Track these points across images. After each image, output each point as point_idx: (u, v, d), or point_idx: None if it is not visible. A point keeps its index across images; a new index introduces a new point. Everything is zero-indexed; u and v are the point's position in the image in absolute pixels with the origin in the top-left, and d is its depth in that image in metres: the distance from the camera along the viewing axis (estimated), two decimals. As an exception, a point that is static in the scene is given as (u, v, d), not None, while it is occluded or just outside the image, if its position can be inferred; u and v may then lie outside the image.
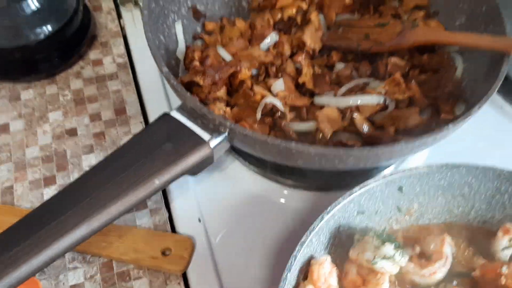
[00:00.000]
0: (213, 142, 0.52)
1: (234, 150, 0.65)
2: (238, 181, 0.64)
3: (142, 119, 0.68)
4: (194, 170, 0.52)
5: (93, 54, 0.75)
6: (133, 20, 0.80)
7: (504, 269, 0.51)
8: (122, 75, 0.73)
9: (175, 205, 0.61)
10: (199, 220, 0.60)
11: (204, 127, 0.53)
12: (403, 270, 0.53)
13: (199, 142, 0.51)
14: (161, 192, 0.61)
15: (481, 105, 0.54)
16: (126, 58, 0.75)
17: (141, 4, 0.78)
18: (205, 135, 0.52)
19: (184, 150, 0.50)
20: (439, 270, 0.52)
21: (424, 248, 0.55)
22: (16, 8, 0.65)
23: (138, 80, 0.73)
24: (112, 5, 0.81)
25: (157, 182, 0.48)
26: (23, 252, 0.41)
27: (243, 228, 0.60)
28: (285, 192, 0.64)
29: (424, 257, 0.54)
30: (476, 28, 0.66)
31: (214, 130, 0.53)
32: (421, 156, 0.67)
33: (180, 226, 0.59)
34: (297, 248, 0.48)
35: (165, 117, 0.54)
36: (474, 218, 0.58)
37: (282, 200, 0.63)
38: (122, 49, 0.76)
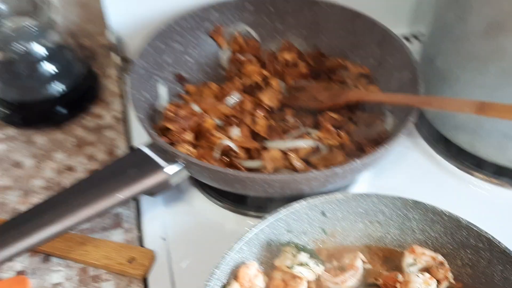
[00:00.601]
0: (169, 169, 0.64)
1: (198, 185, 0.76)
2: (198, 209, 0.75)
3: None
4: (152, 191, 0.64)
5: (96, 109, 0.89)
6: (132, 84, 0.95)
7: (400, 277, 0.60)
8: (117, 127, 0.87)
9: (145, 226, 0.72)
10: (163, 239, 0.70)
11: (166, 159, 0.66)
12: (321, 278, 0.62)
13: (157, 168, 0.64)
14: (135, 216, 0.73)
15: (390, 144, 0.65)
16: (123, 114, 0.89)
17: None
18: (163, 164, 0.65)
19: (144, 174, 0.63)
20: (349, 279, 0.61)
21: (341, 263, 0.64)
22: (39, 72, 0.81)
23: (130, 131, 0.86)
24: (115, 72, 0.97)
25: (120, 196, 0.60)
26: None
27: (199, 247, 0.70)
28: (239, 220, 0.74)
29: (339, 270, 0.63)
30: (404, 90, 0.78)
31: (172, 161, 0.65)
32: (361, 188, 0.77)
33: (147, 242, 0.70)
34: (226, 251, 0.58)
35: (137, 150, 0.67)
36: (390, 241, 0.67)
37: (234, 226, 0.73)
38: (120, 106, 0.91)
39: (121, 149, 0.83)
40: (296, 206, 0.64)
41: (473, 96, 0.69)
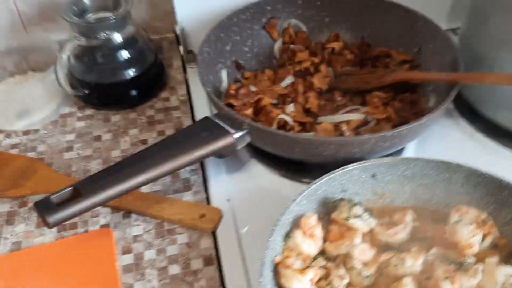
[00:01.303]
0: (236, 134, 0.70)
1: (257, 155, 0.82)
2: (257, 177, 0.79)
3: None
4: (222, 152, 0.69)
5: (163, 94, 0.96)
6: (194, 73, 1.02)
7: (447, 229, 0.63)
8: (183, 108, 0.93)
9: (212, 190, 0.77)
10: (228, 200, 0.76)
11: (232, 125, 0.71)
12: (373, 231, 0.66)
13: (226, 132, 0.69)
14: (203, 180, 0.79)
15: (429, 115, 0.69)
16: (187, 97, 0.96)
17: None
18: (230, 130, 0.70)
19: (215, 136, 0.68)
20: (400, 232, 0.65)
21: (391, 219, 0.68)
22: (116, 56, 0.88)
23: (194, 111, 0.93)
24: (180, 63, 1.04)
25: (196, 154, 0.66)
26: (109, 182, 0.60)
27: (259, 208, 0.75)
28: (292, 186, 0.79)
29: (391, 224, 0.67)
30: (444, 72, 0.82)
31: (238, 127, 0.71)
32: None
33: (213, 202, 0.76)
34: (289, 203, 0.63)
35: (205, 118, 0.73)
36: (436, 203, 0.70)
37: (289, 192, 0.78)
38: (184, 91, 0.97)
39: (187, 125, 0.89)
40: (350, 167, 0.68)
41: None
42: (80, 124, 0.91)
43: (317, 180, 0.66)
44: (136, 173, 0.62)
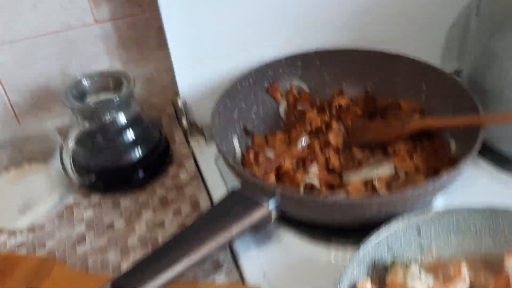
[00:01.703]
0: (270, 205, 0.67)
1: (284, 222, 0.79)
2: (289, 246, 0.76)
3: (212, 210, 0.84)
4: (257, 226, 0.66)
5: (171, 171, 0.94)
6: (199, 145, 1.00)
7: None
8: (195, 183, 0.91)
9: (245, 267, 0.73)
10: (264, 276, 0.72)
11: (261, 195, 0.69)
12: (431, 290, 0.63)
13: (259, 204, 0.67)
14: (232, 259, 0.75)
15: (463, 162, 0.68)
16: (197, 172, 0.94)
17: (205, 132, 1.00)
18: (263, 201, 0.68)
19: (248, 210, 0.66)
20: (459, 286, 0.62)
21: (445, 274, 0.65)
22: (121, 137, 0.86)
23: (207, 184, 0.90)
24: (182, 137, 1.03)
25: (233, 231, 0.63)
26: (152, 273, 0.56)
27: (298, 282, 0.71)
28: (332, 252, 0.75)
29: (447, 281, 0.64)
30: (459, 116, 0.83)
31: (269, 196, 0.68)
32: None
33: (249, 280, 0.71)
34: (343, 270, 0.60)
35: (233, 193, 0.70)
36: (485, 252, 0.68)
37: (330, 259, 0.75)
38: (193, 165, 0.95)
39: (203, 200, 0.86)
40: (394, 227, 0.66)
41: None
42: (88, 213, 0.86)
43: (365, 243, 0.63)
44: (178, 259, 0.58)
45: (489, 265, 0.66)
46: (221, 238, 0.62)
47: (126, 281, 0.55)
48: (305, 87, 1.01)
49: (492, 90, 0.84)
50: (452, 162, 0.79)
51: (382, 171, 0.77)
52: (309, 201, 0.66)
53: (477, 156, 0.90)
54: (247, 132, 0.93)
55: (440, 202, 0.81)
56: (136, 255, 0.77)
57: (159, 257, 0.59)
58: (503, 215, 0.67)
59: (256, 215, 0.65)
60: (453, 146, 0.84)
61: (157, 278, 0.56)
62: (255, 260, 0.75)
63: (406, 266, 0.62)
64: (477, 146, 0.72)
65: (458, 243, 0.69)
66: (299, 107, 0.97)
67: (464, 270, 0.64)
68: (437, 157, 0.80)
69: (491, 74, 0.83)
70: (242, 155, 0.87)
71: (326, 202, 0.65)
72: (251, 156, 0.82)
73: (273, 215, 0.68)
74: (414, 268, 0.61)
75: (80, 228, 0.84)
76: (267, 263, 0.74)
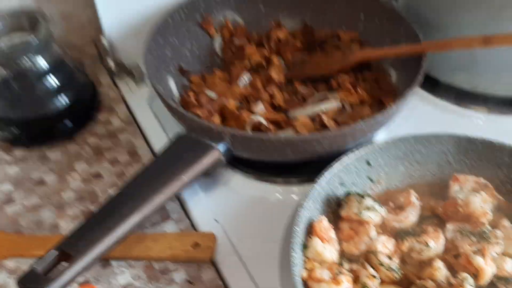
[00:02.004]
0: (220, 147, 0.65)
1: (234, 165, 0.77)
2: (239, 188, 0.75)
3: (152, 156, 0.79)
4: (209, 170, 0.64)
5: (101, 117, 0.87)
6: (129, 88, 0.93)
7: (460, 201, 0.64)
8: (129, 128, 0.85)
9: (194, 214, 0.71)
10: (216, 221, 0.70)
11: (211, 138, 0.66)
12: (384, 220, 0.64)
13: (210, 147, 0.64)
14: (180, 206, 0.72)
15: (408, 93, 0.69)
16: (130, 117, 0.88)
17: (135, 73, 0.93)
18: (212, 143, 0.65)
19: (199, 154, 0.63)
20: (411, 214, 0.64)
21: (396, 203, 0.67)
22: (42, 86, 0.77)
23: (143, 129, 0.85)
24: (109, 79, 0.95)
25: (185, 178, 0.60)
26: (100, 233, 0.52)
27: (253, 223, 0.70)
28: (280, 189, 0.75)
29: (398, 209, 0.66)
30: (399, 45, 0.83)
31: (219, 139, 0.65)
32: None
33: (201, 227, 0.69)
34: (299, 209, 0.60)
35: (179, 137, 0.66)
36: (431, 178, 0.71)
37: (279, 196, 0.74)
38: (124, 110, 0.89)
39: (142, 148, 0.81)
40: (346, 160, 0.66)
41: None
42: (14, 169, 0.79)
43: (319, 179, 0.63)
44: (128, 215, 0.54)
45: (436, 191, 0.69)
46: (172, 188, 0.59)
47: (73, 245, 0.51)
48: (240, 20, 0.96)
49: (429, 16, 0.84)
50: (394, 91, 0.80)
51: (328, 105, 0.76)
52: (261, 141, 0.64)
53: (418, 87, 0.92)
54: (182, 72, 0.88)
55: (383, 132, 0.82)
56: (74, 211, 0.72)
57: (106, 215, 0.55)
58: (446, 140, 0.69)
59: (208, 160, 0.63)
60: (393, 75, 0.84)
61: (106, 239, 0.53)
62: (204, 206, 0.73)
63: (360, 199, 0.62)
64: (421, 75, 0.72)
65: (405, 170, 0.71)
66: (236, 42, 0.92)
67: (414, 198, 0.66)
68: (379, 87, 0.81)
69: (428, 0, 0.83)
70: (181, 96, 0.82)
71: (280, 141, 0.63)
72: (192, 97, 0.77)
73: (224, 157, 0.65)
74: (368, 200, 0.62)
75: (6, 187, 0.76)
76: (218, 208, 0.72)
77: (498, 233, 0.60)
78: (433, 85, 0.89)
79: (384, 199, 0.68)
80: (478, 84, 0.84)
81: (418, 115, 0.86)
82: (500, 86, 0.83)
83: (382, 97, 0.77)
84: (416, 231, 0.63)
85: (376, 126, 0.68)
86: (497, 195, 0.66)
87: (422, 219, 0.66)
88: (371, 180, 0.69)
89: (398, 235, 0.63)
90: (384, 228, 0.64)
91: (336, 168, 0.65)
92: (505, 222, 0.62)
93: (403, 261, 0.61)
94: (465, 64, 0.83)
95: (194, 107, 0.75)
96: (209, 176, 0.66)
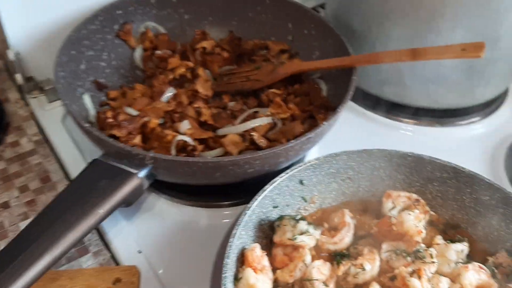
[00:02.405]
0: (141, 173, 0.60)
1: (157, 188, 0.72)
2: (165, 214, 0.70)
3: (67, 182, 0.73)
4: (129, 199, 0.58)
5: (9, 138, 0.79)
6: (39, 105, 0.86)
7: (393, 220, 0.63)
8: (41, 150, 0.78)
9: (115, 246, 0.66)
10: (139, 252, 0.65)
11: (130, 163, 0.60)
12: (318, 242, 0.62)
13: (129, 174, 0.58)
14: (99, 237, 0.66)
15: (340, 109, 0.67)
16: (41, 137, 0.80)
17: (46, 89, 0.86)
18: (132, 169, 0.59)
19: (117, 183, 0.57)
20: (346, 235, 0.63)
21: (331, 224, 0.65)
22: None
23: (56, 151, 0.78)
24: (17, 95, 0.87)
25: (101, 211, 0.54)
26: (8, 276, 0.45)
27: (179, 250, 0.66)
28: (208, 214, 0.71)
29: (332, 230, 0.64)
30: (328, 56, 0.82)
31: (140, 165, 0.60)
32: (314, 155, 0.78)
33: (123, 259, 0.64)
34: (230, 240, 0.56)
35: (95, 162, 0.61)
36: (363, 194, 0.70)
37: (209, 221, 0.70)
38: (35, 129, 0.81)
39: (55, 173, 0.75)
40: (279, 179, 0.63)
41: (394, 48, 0.74)
42: None
43: (250, 204, 0.60)
44: (38, 256, 0.48)
45: (370, 208, 0.68)
46: (88, 223, 0.53)
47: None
48: (162, 29, 0.91)
49: (358, 27, 0.84)
50: (325, 105, 0.78)
51: (259, 122, 0.73)
52: (187, 165, 0.59)
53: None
54: (100, 87, 0.82)
55: (315, 152, 0.80)
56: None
57: (13, 256, 0.48)
58: (378, 155, 0.69)
59: (127, 188, 0.57)
60: (324, 88, 0.83)
61: (14, 283, 0.46)
62: (127, 235, 0.67)
63: (294, 223, 0.60)
64: (351, 90, 0.71)
65: (338, 187, 0.70)
66: (158, 53, 0.87)
67: (348, 218, 0.64)
68: (310, 101, 0.79)
69: (356, 11, 0.83)
70: (98, 114, 0.75)
71: (207, 164, 0.59)
72: (109, 115, 0.71)
73: (146, 183, 0.60)
74: (302, 224, 0.60)
75: None
76: (142, 237, 0.67)
77: (433, 251, 0.59)
78: (364, 98, 0.89)
79: (318, 219, 0.66)
80: (406, 96, 0.85)
81: (349, 128, 0.86)
82: (427, 98, 0.84)
83: (313, 112, 0.75)
84: (352, 253, 0.61)
85: (309, 145, 0.66)
86: (429, 210, 0.66)
87: (357, 239, 0.64)
88: (305, 200, 0.67)
89: (334, 258, 0.61)
90: (319, 250, 0.62)
91: (268, 190, 0.62)
92: (438, 240, 0.62)
93: (338, 285, 0.59)
94: (393, 76, 0.83)
95: (112, 128, 0.69)
96: (129, 205, 0.60)
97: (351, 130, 0.84)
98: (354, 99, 0.88)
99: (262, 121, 0.72)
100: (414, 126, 0.88)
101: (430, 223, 0.67)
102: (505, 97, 0.93)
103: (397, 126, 0.87)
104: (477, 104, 0.88)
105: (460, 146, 0.84)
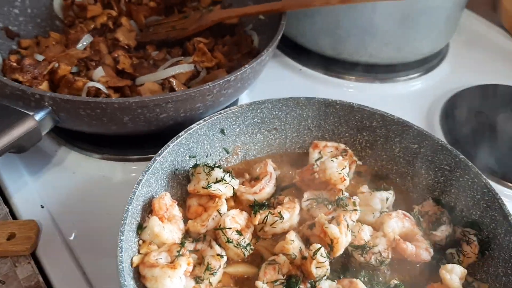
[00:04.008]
0: (38, 116, 0.54)
1: (69, 141, 0.66)
2: (74, 167, 0.65)
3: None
4: (24, 144, 0.53)
5: None
6: None
7: (316, 167, 0.60)
8: None
9: (15, 200, 0.60)
10: (42, 207, 0.60)
11: (26, 105, 0.55)
12: (238, 193, 0.58)
13: (24, 116, 0.53)
14: (-1, 192, 0.61)
15: (266, 52, 0.63)
16: None
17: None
18: (28, 111, 0.54)
19: (9, 123, 0.52)
20: (267, 185, 0.59)
21: (253, 174, 0.62)
22: None
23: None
24: None
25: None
26: None
27: (88, 205, 0.61)
28: (122, 168, 0.66)
29: (254, 180, 0.61)
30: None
31: (37, 106, 0.55)
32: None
33: (22, 214, 0.59)
34: (135, 186, 0.51)
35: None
36: (291, 146, 0.67)
37: (121, 175, 0.66)
38: None
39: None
40: (195, 126, 0.59)
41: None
42: None
43: (161, 150, 0.55)
44: None
45: (297, 161, 0.65)
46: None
47: None
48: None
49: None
50: (253, 53, 0.75)
51: (179, 69, 0.68)
52: (90, 106, 0.54)
53: (281, 53, 0.88)
54: (10, 34, 0.75)
55: (246, 100, 0.77)
56: None
57: None
58: (305, 103, 0.65)
59: (20, 129, 0.52)
60: (255, 39, 0.79)
61: None
62: (30, 190, 0.62)
63: (209, 170, 0.56)
64: (279, 34, 0.68)
65: (264, 139, 0.66)
66: (78, 0, 0.81)
67: (270, 168, 0.61)
68: (240, 51, 0.75)
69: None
70: (3, 60, 0.69)
71: (112, 105, 0.54)
72: (13, 59, 0.65)
73: (44, 128, 0.55)
74: (218, 172, 0.56)
75: None
76: (47, 192, 0.62)
77: (356, 199, 0.57)
78: (301, 54, 0.86)
79: (239, 170, 0.63)
80: (342, 50, 0.82)
81: (285, 84, 0.83)
82: (364, 51, 0.82)
83: (241, 60, 0.71)
84: (273, 203, 0.58)
85: (230, 91, 0.62)
86: (357, 160, 0.63)
87: (280, 190, 0.61)
88: (227, 151, 0.63)
89: (253, 208, 0.57)
90: (238, 202, 0.59)
91: (183, 137, 0.57)
92: (364, 188, 0.59)
93: (256, 236, 0.55)
94: (329, 29, 0.81)
95: (14, 72, 0.63)
96: (25, 150, 0.55)
97: (289, 87, 0.82)
98: (292, 55, 0.85)
99: (183, 68, 0.68)
100: (355, 83, 0.85)
101: (359, 174, 0.64)
102: (446, 53, 0.92)
103: (337, 83, 0.85)
104: (416, 60, 0.86)
105: (399, 102, 0.82)
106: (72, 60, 0.70)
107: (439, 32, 0.84)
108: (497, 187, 0.69)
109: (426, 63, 0.88)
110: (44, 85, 0.64)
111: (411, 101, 0.82)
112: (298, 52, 0.84)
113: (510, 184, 0.70)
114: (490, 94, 0.82)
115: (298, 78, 0.84)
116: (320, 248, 0.50)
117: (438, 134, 0.75)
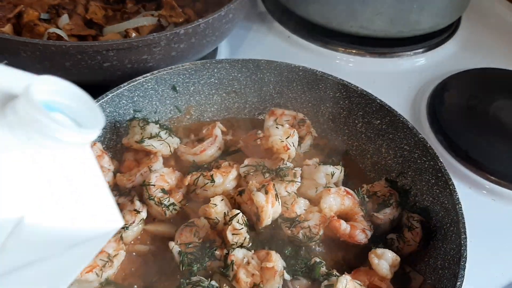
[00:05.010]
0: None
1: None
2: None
3: None
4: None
5: None
6: None
7: (260, 134, 0.57)
8: None
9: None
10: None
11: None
12: (178, 153, 0.57)
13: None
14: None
15: (226, 8, 0.61)
16: None
17: None
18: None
19: None
20: (208, 148, 0.57)
21: (200, 135, 0.59)
22: None
23: None
24: None
25: None
26: None
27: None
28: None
29: (198, 141, 0.59)
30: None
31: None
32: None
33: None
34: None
35: None
36: (250, 111, 0.64)
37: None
38: None
39: None
40: (140, 79, 0.57)
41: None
42: None
43: (97, 99, 0.54)
44: None
45: (253, 128, 0.62)
46: None
47: None
48: None
49: None
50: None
51: (141, 21, 0.66)
52: (25, 45, 0.53)
53: (271, 17, 0.85)
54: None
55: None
56: None
57: None
58: (267, 66, 0.62)
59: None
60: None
61: None
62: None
63: (144, 125, 0.54)
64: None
65: (221, 101, 0.63)
66: None
67: (218, 131, 0.58)
68: (215, 8, 0.72)
69: None
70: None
71: (49, 47, 0.53)
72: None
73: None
74: (153, 127, 0.54)
75: None
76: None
77: (298, 170, 0.53)
78: (290, 19, 0.82)
79: (188, 130, 0.61)
80: (332, 19, 0.78)
81: (271, 50, 0.80)
82: (354, 21, 0.77)
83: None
84: (213, 166, 0.56)
85: (183, 45, 0.59)
86: (313, 132, 0.60)
87: (226, 155, 0.58)
88: (179, 110, 0.61)
89: (189, 169, 0.55)
90: (179, 162, 0.57)
91: (125, 89, 0.56)
92: (311, 161, 0.55)
93: (188, 198, 0.53)
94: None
95: (-26, 10, 0.63)
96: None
97: (275, 54, 0.77)
98: (282, 22, 0.82)
99: (146, 21, 0.66)
100: (343, 55, 0.81)
101: (316, 147, 0.61)
102: (456, 30, 0.85)
103: (325, 54, 0.81)
104: (415, 36, 0.80)
105: (389, 80, 0.77)
106: (43, 6, 0.69)
107: (443, 6, 0.77)
108: (478, 179, 0.64)
109: (430, 39, 0.81)
110: (8, 28, 0.64)
111: (402, 80, 0.77)
112: (288, 17, 0.81)
113: (489, 175, 0.64)
114: (488, 78, 0.75)
115: (285, 45, 0.81)
116: (238, 214, 0.48)
117: (423, 116, 0.70)
